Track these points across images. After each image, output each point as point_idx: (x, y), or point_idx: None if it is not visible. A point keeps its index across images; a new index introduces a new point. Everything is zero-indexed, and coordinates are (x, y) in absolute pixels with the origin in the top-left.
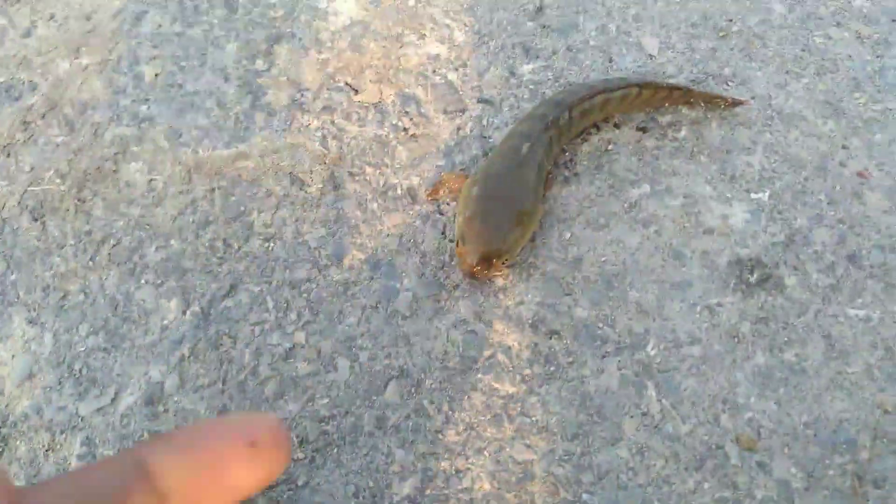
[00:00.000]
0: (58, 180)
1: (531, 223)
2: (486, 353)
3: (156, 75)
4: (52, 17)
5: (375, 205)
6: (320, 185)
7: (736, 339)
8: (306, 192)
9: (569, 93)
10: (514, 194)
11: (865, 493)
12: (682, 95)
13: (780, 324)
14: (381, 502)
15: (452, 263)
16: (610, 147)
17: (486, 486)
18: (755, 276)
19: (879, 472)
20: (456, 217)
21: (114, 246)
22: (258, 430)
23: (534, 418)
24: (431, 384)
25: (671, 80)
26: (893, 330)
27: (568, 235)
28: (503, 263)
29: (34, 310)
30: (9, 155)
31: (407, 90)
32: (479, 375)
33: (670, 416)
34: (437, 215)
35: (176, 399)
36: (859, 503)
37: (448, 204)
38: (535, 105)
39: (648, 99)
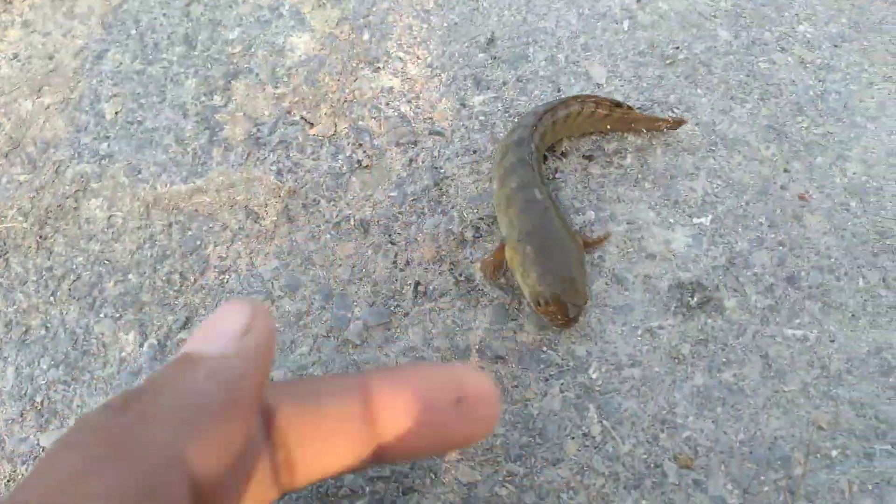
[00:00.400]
0: (20, 218)
1: (584, 260)
2: None
3: (116, 113)
4: (15, 56)
5: (328, 236)
6: (274, 218)
7: (676, 361)
8: (261, 224)
9: (522, 126)
10: (562, 242)
11: None
12: (623, 114)
13: (719, 345)
14: None
15: (404, 292)
16: (557, 175)
17: None
18: (695, 298)
19: (812, 486)
20: (522, 281)
21: (74, 281)
22: (465, 385)
23: (479, 441)
24: None
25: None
26: (830, 349)
27: None
28: (586, 305)
29: None
30: None
31: (361, 123)
32: None
33: (610, 436)
34: (389, 245)
35: None
36: None
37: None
38: (501, 151)
39: (589, 117)
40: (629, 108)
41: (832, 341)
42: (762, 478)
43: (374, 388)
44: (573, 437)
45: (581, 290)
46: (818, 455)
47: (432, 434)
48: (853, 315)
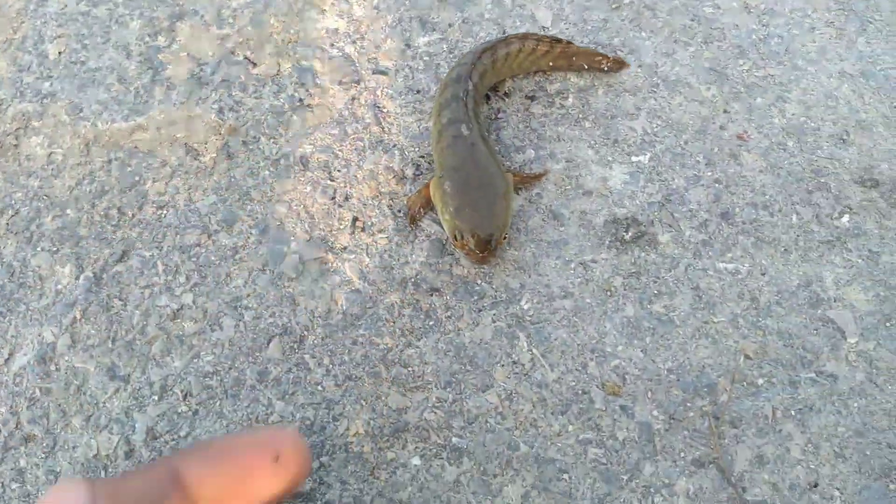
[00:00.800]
0: None
1: (510, 195)
2: (369, 310)
3: (59, 53)
4: None
5: (267, 172)
6: (214, 155)
7: (608, 293)
8: (200, 161)
9: (461, 65)
10: (484, 177)
11: (722, 433)
12: (563, 49)
13: (651, 278)
14: None
15: (342, 227)
16: (499, 115)
17: (361, 431)
18: (630, 233)
19: (737, 412)
20: (441, 216)
21: (12, 216)
22: (282, 444)
23: (410, 369)
24: (314, 340)
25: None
26: (760, 282)
27: None
28: (504, 240)
29: None
30: None
31: (304, 63)
32: (361, 331)
33: (540, 364)
34: (328, 181)
35: (67, 358)
36: (715, 442)
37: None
38: (440, 88)
39: (530, 55)
40: (569, 43)
41: (763, 275)
42: (688, 404)
43: (184, 470)
44: (503, 365)
45: (497, 224)
46: (744, 383)
47: (251, 492)
48: (785, 250)
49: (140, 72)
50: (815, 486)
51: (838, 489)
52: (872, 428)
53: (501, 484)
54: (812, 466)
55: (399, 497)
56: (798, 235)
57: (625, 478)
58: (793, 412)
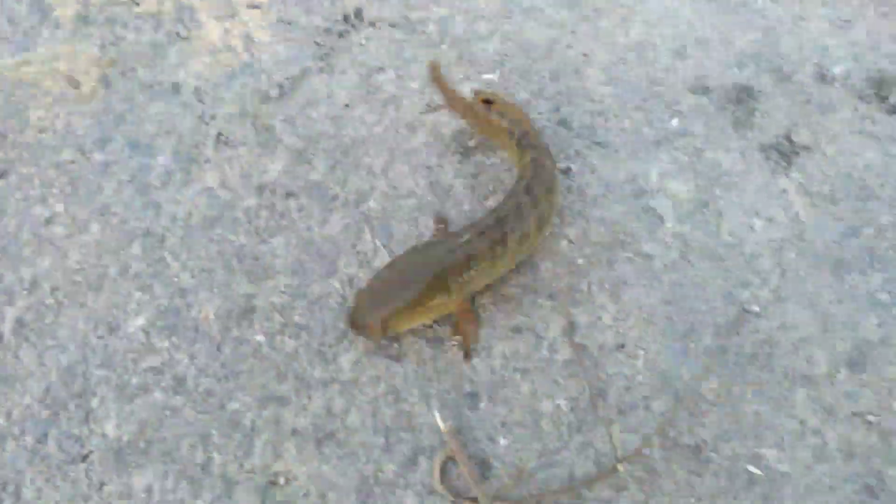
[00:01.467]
0: None
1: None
2: (227, 213)
3: None
4: None
5: (142, 97)
6: (93, 85)
7: (449, 193)
8: (80, 91)
9: None
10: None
11: (541, 304)
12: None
13: (489, 177)
14: (116, 331)
15: (207, 142)
16: (364, 42)
17: (211, 315)
18: (473, 141)
19: (555, 287)
20: None
21: None
22: None
23: (261, 261)
24: (173, 240)
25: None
26: (589, 178)
27: (314, 115)
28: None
29: None
30: None
31: (184, 1)
32: (218, 231)
33: (381, 253)
34: (197, 103)
35: None
36: (542, 318)
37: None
38: None
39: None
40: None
41: (592, 172)
42: (514, 288)
43: None
44: (347, 255)
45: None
46: (566, 265)
47: None
48: (616, 150)
49: (29, 13)
50: (622, 346)
51: (643, 349)
52: (681, 297)
53: (336, 353)
54: (621, 331)
55: (241, 367)
56: (628, 137)
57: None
58: (607, 286)
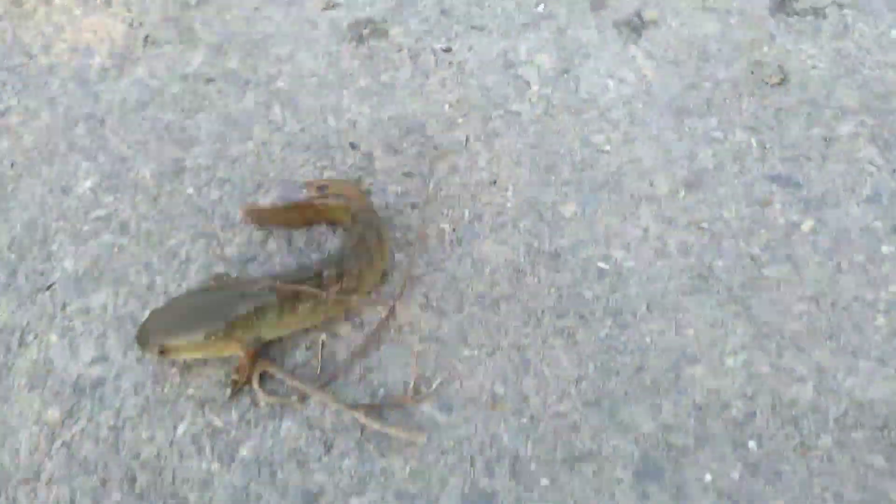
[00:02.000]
0: None
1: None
2: (156, 98)
3: None
4: None
5: (78, 11)
6: (35, 3)
7: (347, 72)
8: (23, 8)
9: None
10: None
11: (430, 155)
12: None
13: (381, 58)
14: (69, 192)
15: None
16: None
17: (147, 175)
18: (367, 29)
19: (439, 141)
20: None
21: None
22: None
23: (187, 132)
24: (112, 120)
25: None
26: (467, 55)
27: (228, 17)
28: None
29: None
30: None
31: None
32: (150, 111)
33: (290, 121)
34: (126, 13)
35: None
36: (428, 164)
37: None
38: None
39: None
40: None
41: (469, 50)
42: (403, 139)
43: None
44: (260, 124)
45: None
46: (447, 123)
47: None
48: (490, 32)
49: None
50: (494, 182)
51: (512, 184)
52: (544, 142)
53: (255, 198)
54: (494, 171)
55: (175, 212)
56: (501, 21)
57: None
58: (482, 137)
